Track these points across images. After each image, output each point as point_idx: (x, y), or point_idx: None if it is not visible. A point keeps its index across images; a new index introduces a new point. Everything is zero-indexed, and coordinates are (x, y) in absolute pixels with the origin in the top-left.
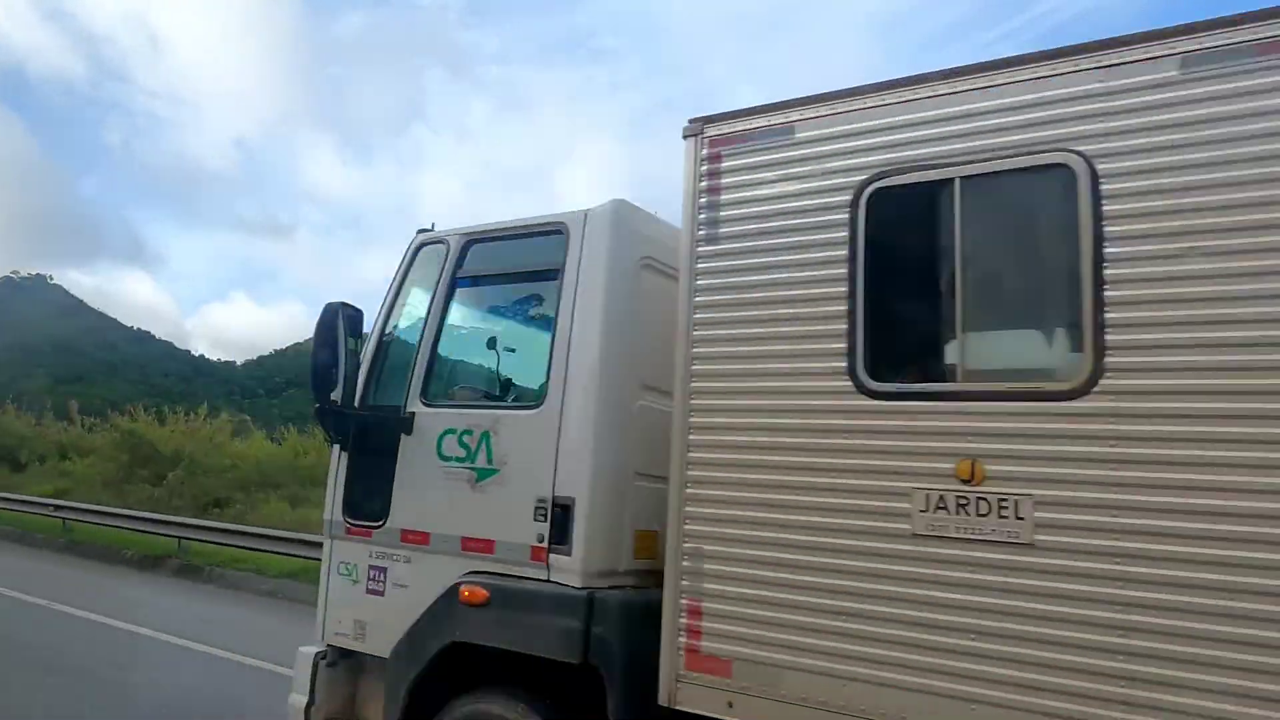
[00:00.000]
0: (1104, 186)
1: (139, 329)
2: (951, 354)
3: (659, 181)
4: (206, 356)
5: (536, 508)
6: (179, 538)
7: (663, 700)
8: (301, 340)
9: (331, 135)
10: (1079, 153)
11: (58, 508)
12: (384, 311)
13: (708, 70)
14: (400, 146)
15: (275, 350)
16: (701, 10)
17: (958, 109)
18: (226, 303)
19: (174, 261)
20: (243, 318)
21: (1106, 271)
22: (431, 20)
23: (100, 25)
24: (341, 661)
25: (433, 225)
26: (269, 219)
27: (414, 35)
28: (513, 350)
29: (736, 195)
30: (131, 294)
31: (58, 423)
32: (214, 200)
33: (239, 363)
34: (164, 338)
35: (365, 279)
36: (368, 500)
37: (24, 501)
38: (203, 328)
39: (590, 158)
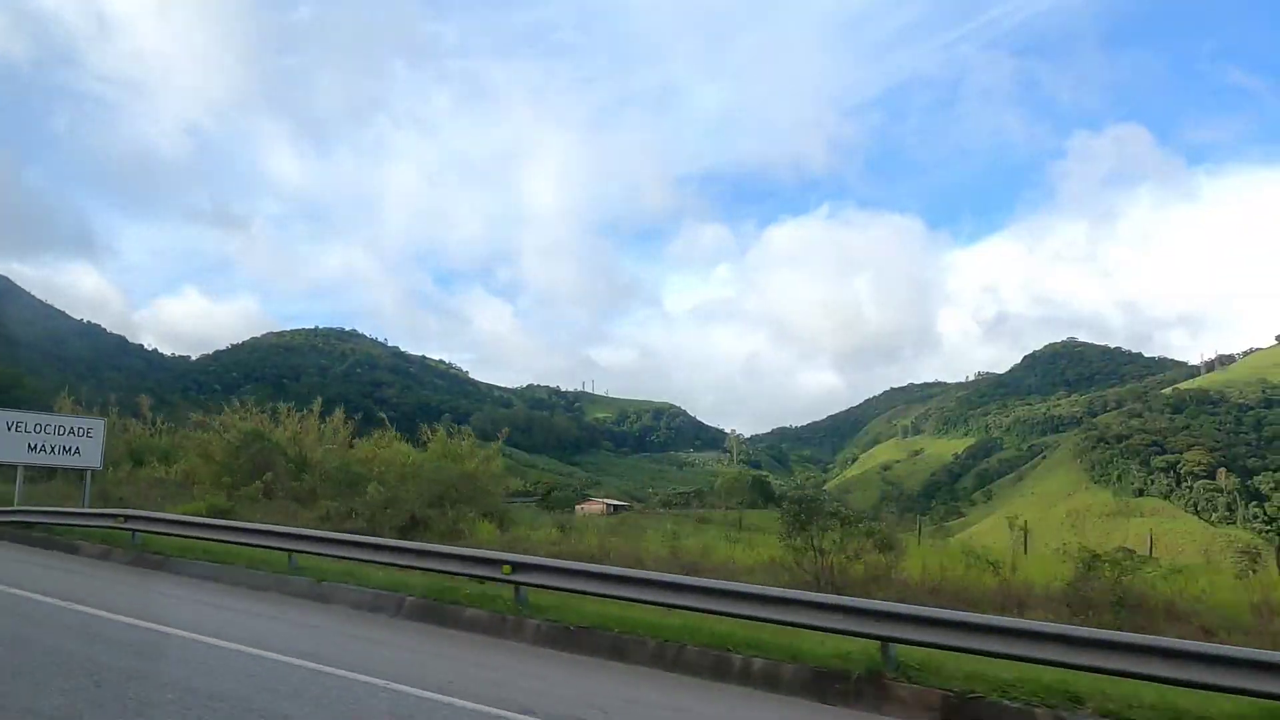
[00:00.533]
0: None
1: (88, 321)
2: None
3: (619, 176)
4: (160, 351)
5: None
6: (478, 577)
7: None
8: (259, 334)
9: (288, 125)
10: None
11: (282, 536)
12: None
13: (669, 67)
14: (360, 138)
15: (231, 345)
16: (662, 8)
17: None
18: (177, 296)
19: (123, 253)
20: (194, 312)
21: None
22: (390, 10)
23: (46, 4)
24: None
25: None
26: (222, 210)
27: (373, 25)
28: None
29: None
30: (78, 286)
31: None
32: (165, 190)
33: (193, 357)
34: (115, 330)
35: (322, 274)
36: None
37: (241, 529)
38: (152, 321)
39: (554, 152)
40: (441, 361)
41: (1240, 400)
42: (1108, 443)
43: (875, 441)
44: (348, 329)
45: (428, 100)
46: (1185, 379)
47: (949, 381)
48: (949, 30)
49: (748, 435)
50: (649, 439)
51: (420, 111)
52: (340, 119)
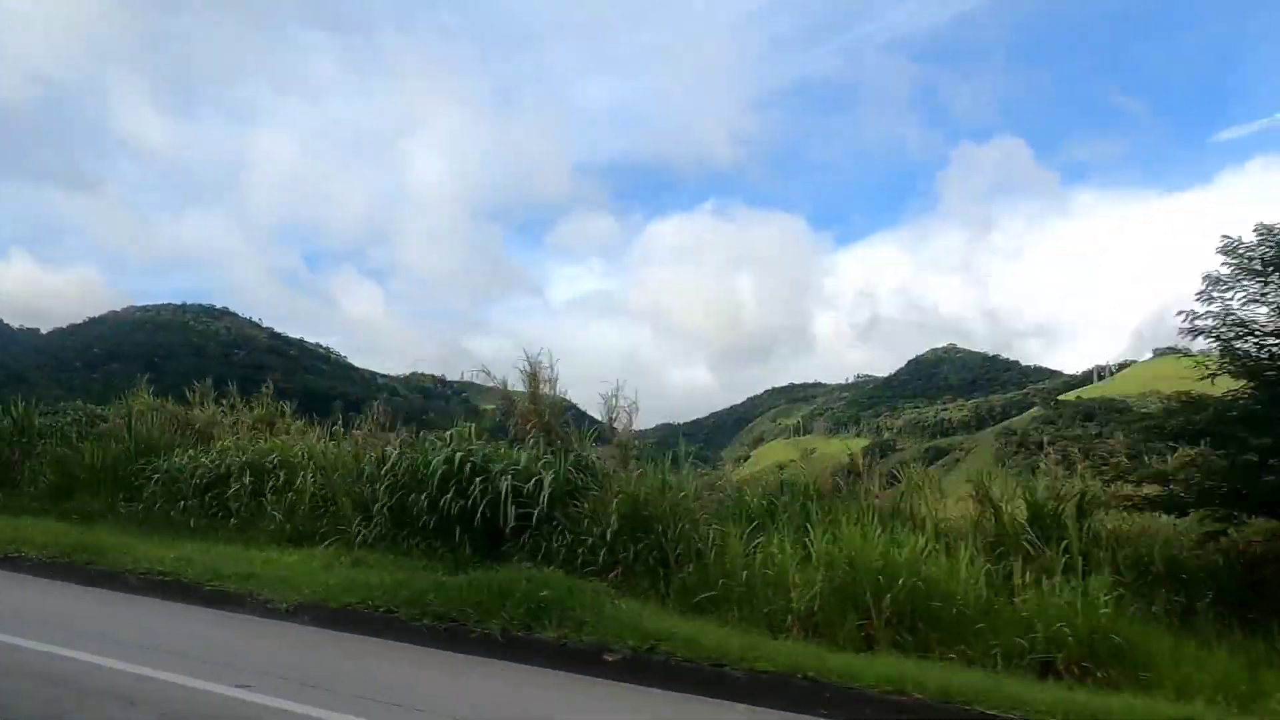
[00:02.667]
0: None
1: None
2: None
3: (510, 161)
4: (5, 322)
5: None
6: None
7: None
8: (119, 309)
9: (152, 80)
10: None
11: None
12: None
13: (551, 56)
14: (232, 99)
15: (89, 318)
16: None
17: None
18: (3, 260)
19: None
20: (20, 278)
21: None
22: None
23: None
24: None
25: None
26: (72, 169)
27: None
28: None
29: None
30: None
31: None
32: (4, 143)
33: (44, 330)
34: None
35: (179, 245)
36: None
37: None
38: None
39: (445, 130)
40: (319, 345)
41: (1145, 410)
42: (1028, 448)
43: (760, 440)
44: (219, 306)
45: (309, 66)
46: (1065, 388)
47: (828, 383)
48: (843, 34)
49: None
50: None
51: (300, 77)
52: (211, 78)
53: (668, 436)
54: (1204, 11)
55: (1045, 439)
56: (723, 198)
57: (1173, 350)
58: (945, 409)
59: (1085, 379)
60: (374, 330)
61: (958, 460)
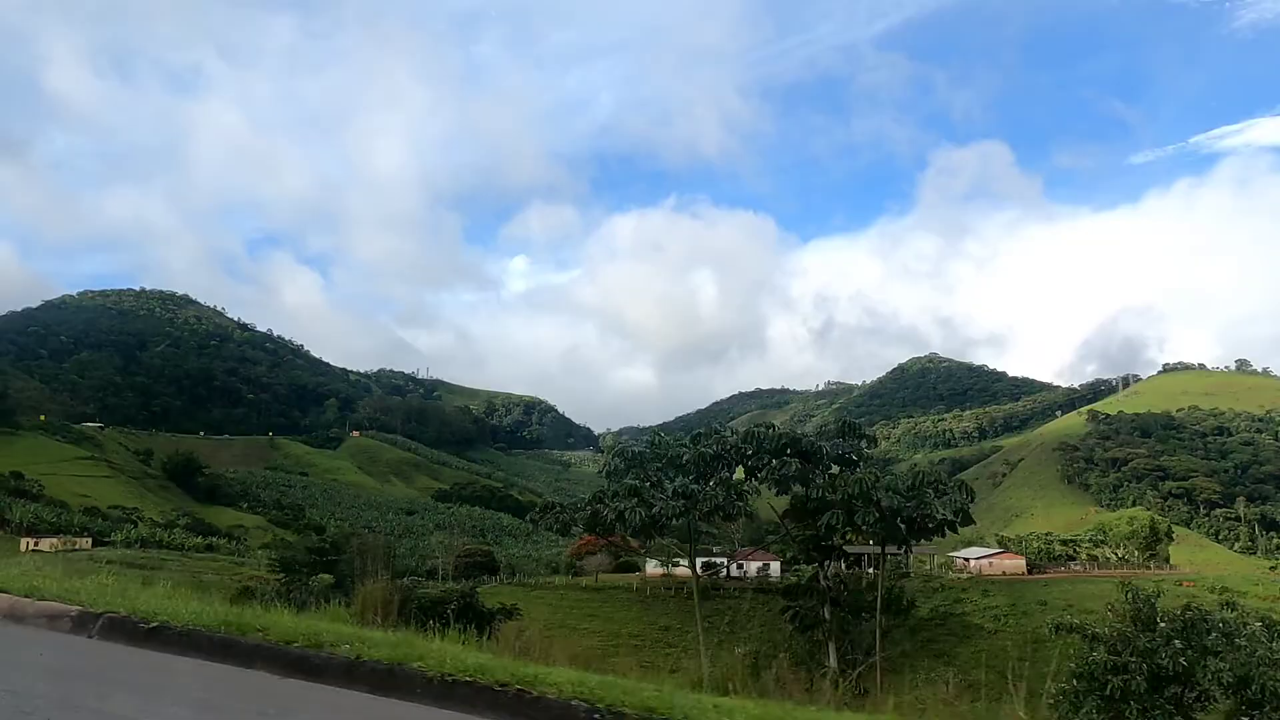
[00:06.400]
0: None
1: None
2: None
3: (471, 147)
4: None
5: None
6: None
7: None
8: (75, 292)
9: (89, 38)
10: None
11: None
12: None
13: (474, 53)
14: (175, 64)
15: (45, 302)
16: None
17: None
18: None
19: None
20: None
21: None
22: None
23: None
24: None
25: None
26: None
27: None
28: None
29: None
30: None
31: None
32: None
33: None
34: None
35: (108, 222)
36: None
37: None
38: None
39: (402, 108)
40: (280, 336)
41: (1197, 428)
42: (1093, 463)
43: None
44: (179, 293)
45: (259, 35)
46: (1066, 399)
47: (795, 389)
48: (760, 49)
49: (598, 432)
50: (521, 434)
51: (250, 47)
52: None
53: (633, 441)
54: (1108, 37)
55: (1121, 458)
56: (689, 193)
57: (1184, 366)
58: (944, 419)
59: (1092, 392)
60: (310, 319)
61: (1004, 475)
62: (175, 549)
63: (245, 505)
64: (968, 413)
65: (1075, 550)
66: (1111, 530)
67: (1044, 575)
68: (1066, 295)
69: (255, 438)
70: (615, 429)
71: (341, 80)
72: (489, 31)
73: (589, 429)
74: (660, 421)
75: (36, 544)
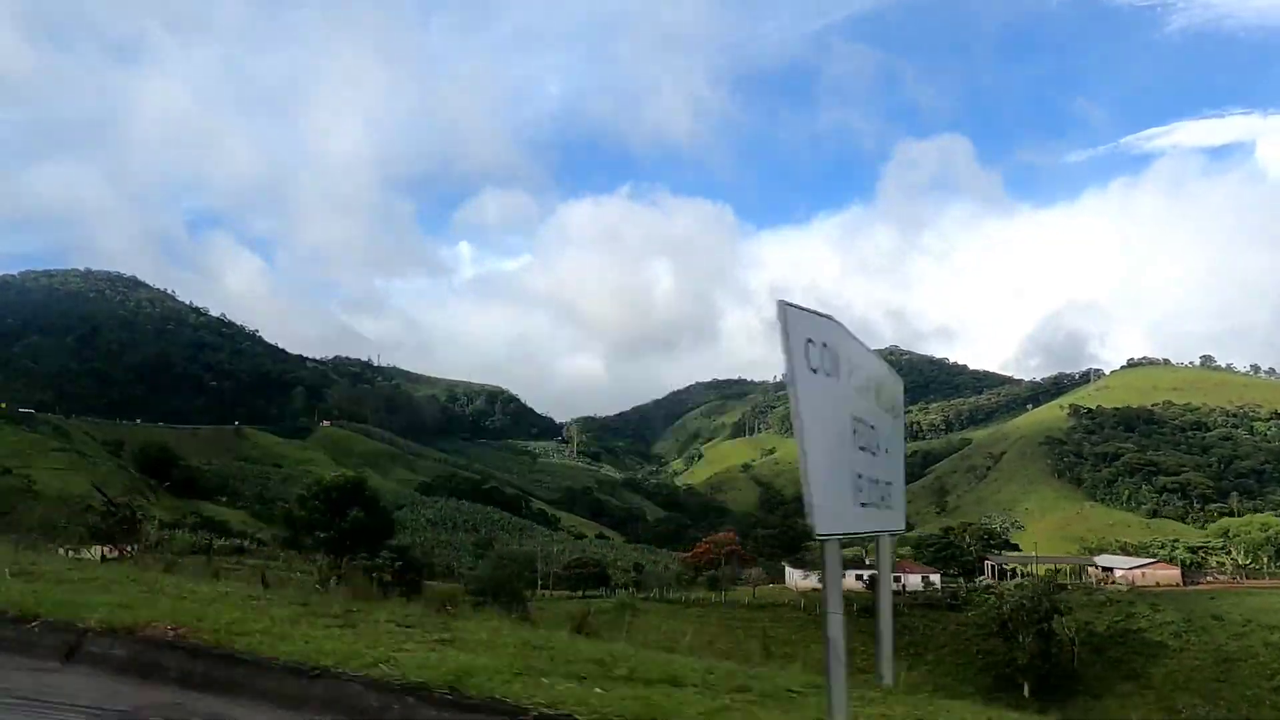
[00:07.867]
0: None
1: None
2: None
3: (426, 130)
4: None
5: None
6: None
7: None
8: (16, 272)
9: (18, 2)
10: None
11: None
12: None
13: (433, 33)
14: (115, 35)
15: None
16: None
17: None
18: None
19: None
20: None
21: None
22: None
23: None
24: None
25: None
26: None
27: None
28: None
29: None
30: None
31: None
32: None
33: None
34: None
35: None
36: None
37: None
38: None
39: (359, 88)
40: (233, 322)
41: (1176, 423)
42: (1083, 458)
43: (696, 436)
44: (126, 274)
45: (214, 3)
46: (1030, 393)
47: (753, 379)
48: (717, 38)
49: (559, 421)
50: (484, 424)
51: (204, 15)
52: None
53: (586, 429)
54: (1044, 37)
55: (1113, 453)
56: (647, 181)
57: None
58: (909, 411)
59: (1055, 386)
60: (255, 304)
61: (987, 469)
62: (201, 552)
63: (224, 499)
64: (934, 405)
65: (1203, 557)
66: (1235, 537)
67: (1201, 586)
68: (1013, 290)
69: (221, 428)
70: (571, 419)
71: (294, 57)
72: (449, 11)
73: (551, 419)
74: (616, 412)
75: (112, 550)
